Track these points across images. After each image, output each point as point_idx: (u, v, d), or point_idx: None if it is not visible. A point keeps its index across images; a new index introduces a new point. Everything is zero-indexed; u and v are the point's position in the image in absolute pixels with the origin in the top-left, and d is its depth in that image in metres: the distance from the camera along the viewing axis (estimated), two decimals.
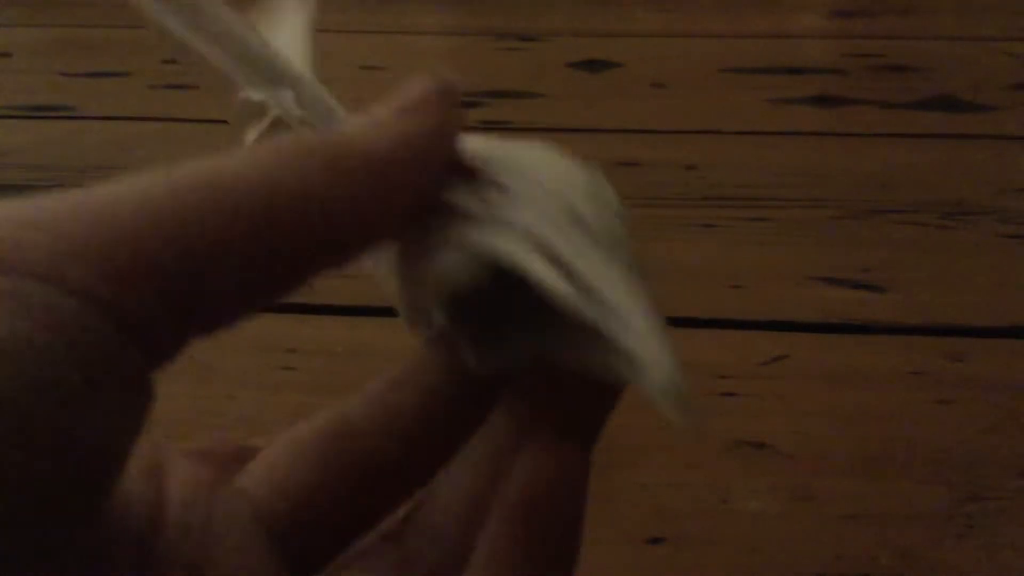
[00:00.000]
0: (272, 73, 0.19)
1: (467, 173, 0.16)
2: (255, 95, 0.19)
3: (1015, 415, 0.37)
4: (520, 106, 0.70)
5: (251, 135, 0.19)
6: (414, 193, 0.16)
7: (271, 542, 0.17)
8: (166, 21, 0.19)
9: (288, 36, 0.21)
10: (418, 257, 0.16)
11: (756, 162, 0.60)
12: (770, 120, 0.66)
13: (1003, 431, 0.36)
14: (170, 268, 0.13)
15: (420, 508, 0.18)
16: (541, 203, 0.16)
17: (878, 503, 0.33)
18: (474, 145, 0.17)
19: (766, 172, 0.58)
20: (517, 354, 0.17)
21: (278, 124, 0.19)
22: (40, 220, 0.13)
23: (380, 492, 0.18)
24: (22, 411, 0.12)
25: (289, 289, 0.15)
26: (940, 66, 0.76)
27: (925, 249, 0.49)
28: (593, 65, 0.78)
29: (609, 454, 0.35)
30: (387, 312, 0.19)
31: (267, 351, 0.41)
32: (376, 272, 0.18)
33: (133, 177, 0.14)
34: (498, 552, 0.16)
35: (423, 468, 0.18)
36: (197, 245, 0.13)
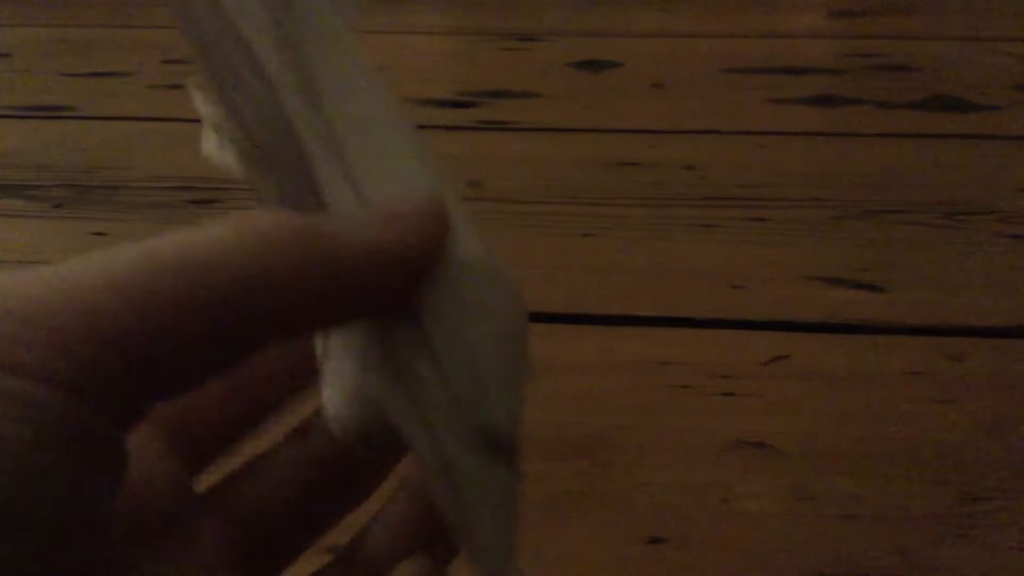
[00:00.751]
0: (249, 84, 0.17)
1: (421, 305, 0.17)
2: (209, 107, 0.18)
3: (1015, 415, 0.37)
4: (520, 106, 0.70)
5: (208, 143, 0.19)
6: (378, 298, 0.16)
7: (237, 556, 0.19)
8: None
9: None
10: (346, 356, 0.18)
11: (756, 162, 0.60)
12: (770, 120, 0.66)
13: (1003, 431, 0.36)
14: (144, 353, 0.14)
15: (361, 540, 0.20)
16: (456, 392, 0.17)
17: (878, 503, 0.33)
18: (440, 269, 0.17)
19: (766, 172, 0.58)
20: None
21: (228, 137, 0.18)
22: (29, 314, 0.14)
23: (340, 500, 0.20)
24: (16, 495, 0.13)
25: (241, 362, 0.16)
26: (940, 66, 0.76)
27: (925, 249, 0.49)
28: (593, 65, 0.78)
29: (609, 454, 0.35)
30: None
31: None
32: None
33: (114, 253, 0.15)
34: None
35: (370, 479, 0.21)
36: (171, 328, 0.14)
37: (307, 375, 0.20)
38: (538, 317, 0.43)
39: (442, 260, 0.17)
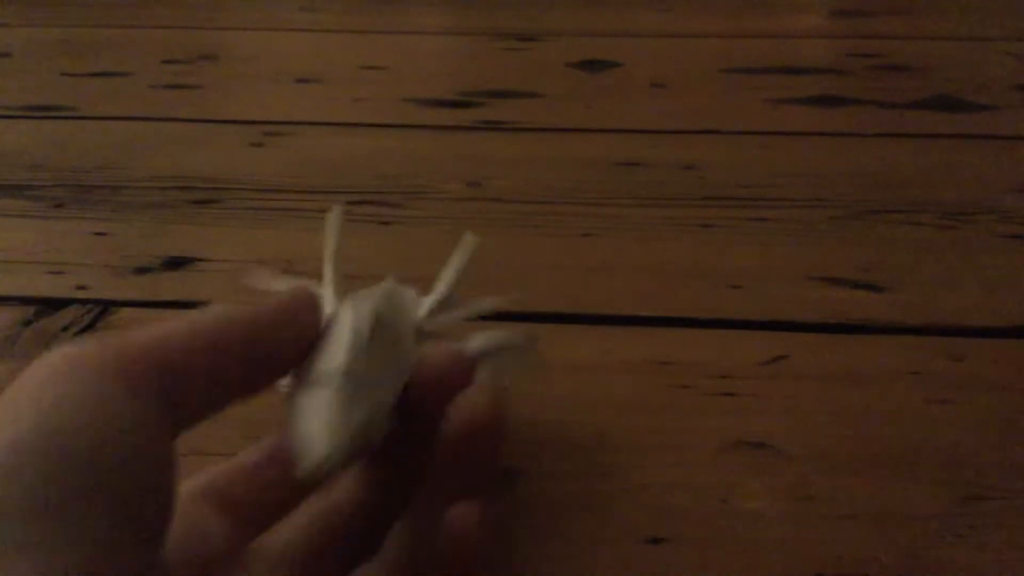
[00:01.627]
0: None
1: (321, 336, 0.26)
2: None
3: (1015, 415, 0.37)
4: (520, 106, 0.70)
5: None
6: (295, 340, 0.25)
7: None
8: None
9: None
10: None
11: (756, 162, 0.60)
12: (770, 120, 0.66)
13: (1003, 431, 0.36)
14: (191, 381, 0.22)
15: (391, 539, 0.26)
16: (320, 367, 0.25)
17: (878, 503, 0.33)
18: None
19: (766, 172, 0.58)
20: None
21: None
22: (130, 350, 0.21)
23: (360, 540, 0.26)
24: (119, 465, 0.19)
25: (242, 396, 0.24)
26: (940, 66, 0.76)
27: (925, 249, 0.49)
28: (593, 65, 0.78)
29: (609, 454, 0.35)
30: None
31: None
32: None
33: (171, 322, 0.23)
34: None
35: (382, 522, 0.26)
36: (208, 370, 0.22)
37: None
38: (538, 317, 0.43)
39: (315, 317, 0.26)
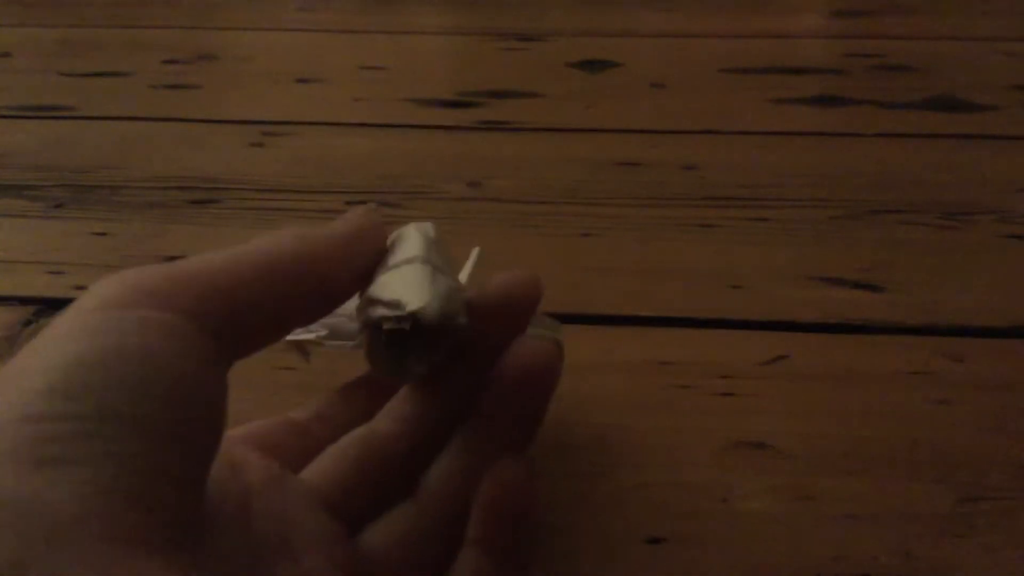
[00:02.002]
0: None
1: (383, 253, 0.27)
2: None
3: (1015, 415, 0.37)
4: (520, 106, 0.70)
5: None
6: (360, 264, 0.26)
7: (328, 512, 0.25)
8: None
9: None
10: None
11: (756, 162, 0.60)
12: (770, 120, 0.66)
13: (1003, 431, 0.36)
14: (244, 309, 0.22)
15: (428, 479, 0.26)
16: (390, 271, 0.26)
17: (878, 503, 0.33)
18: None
19: (766, 172, 0.58)
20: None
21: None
22: (182, 277, 0.21)
23: (397, 475, 0.26)
24: (175, 383, 0.19)
25: (298, 325, 0.24)
26: (940, 66, 0.76)
27: (925, 249, 0.49)
28: (593, 65, 0.78)
29: (609, 454, 0.35)
30: None
31: (266, 351, 0.41)
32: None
33: (231, 249, 0.23)
34: (479, 535, 0.25)
35: (420, 460, 0.26)
36: (257, 297, 0.22)
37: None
38: None
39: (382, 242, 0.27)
